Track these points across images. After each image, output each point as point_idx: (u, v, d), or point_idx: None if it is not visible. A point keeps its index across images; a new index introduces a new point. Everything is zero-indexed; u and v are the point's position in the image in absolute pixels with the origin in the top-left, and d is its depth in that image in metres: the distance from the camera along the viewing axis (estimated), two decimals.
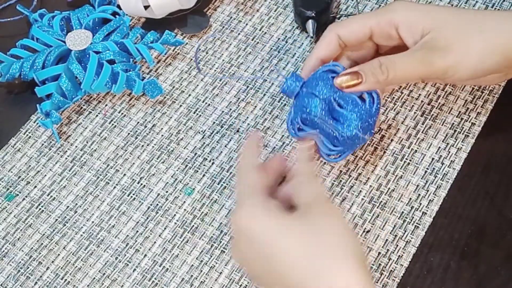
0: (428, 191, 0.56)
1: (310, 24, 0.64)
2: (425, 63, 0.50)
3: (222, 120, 0.62)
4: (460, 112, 0.60)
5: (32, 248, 0.57)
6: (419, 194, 0.56)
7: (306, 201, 0.46)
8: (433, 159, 0.57)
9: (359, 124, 0.51)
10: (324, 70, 0.53)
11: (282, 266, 0.43)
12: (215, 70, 0.65)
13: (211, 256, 0.55)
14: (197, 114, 0.63)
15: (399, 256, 0.53)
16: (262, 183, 0.48)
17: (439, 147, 0.58)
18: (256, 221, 0.45)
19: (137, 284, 0.54)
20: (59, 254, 0.56)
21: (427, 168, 0.57)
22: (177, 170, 0.60)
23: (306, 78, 0.53)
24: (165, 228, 0.57)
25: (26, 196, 0.60)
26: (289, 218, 0.45)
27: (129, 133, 0.62)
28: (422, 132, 0.59)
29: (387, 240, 0.54)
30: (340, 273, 0.42)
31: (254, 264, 0.45)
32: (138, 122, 0.63)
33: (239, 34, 0.67)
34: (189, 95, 0.64)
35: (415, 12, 0.52)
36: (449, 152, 0.58)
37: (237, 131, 0.61)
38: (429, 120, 0.59)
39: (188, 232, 0.56)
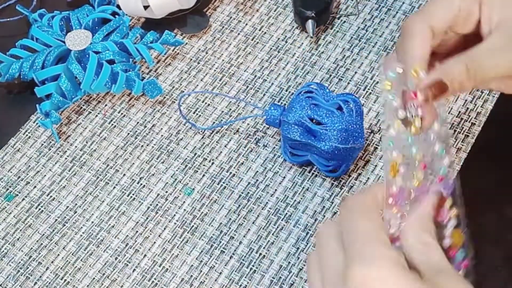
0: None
1: (310, 24, 0.64)
2: None
3: (221, 120, 0.62)
4: (460, 112, 0.60)
5: (31, 248, 0.57)
6: None
7: (435, 268, 0.38)
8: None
9: (337, 136, 0.52)
10: (298, 93, 0.55)
11: None
12: (215, 70, 0.65)
13: (211, 256, 0.55)
14: (197, 114, 0.63)
15: None
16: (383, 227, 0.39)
17: None
18: (390, 284, 0.35)
19: (136, 284, 0.54)
20: (58, 254, 0.56)
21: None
22: (176, 170, 0.59)
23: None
24: (164, 228, 0.57)
25: (25, 196, 0.60)
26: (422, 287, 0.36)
27: (128, 133, 0.62)
28: None
29: None
30: None
31: None
32: (138, 122, 0.63)
33: (238, 34, 0.67)
34: (189, 95, 0.64)
35: None
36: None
37: (237, 131, 0.61)
38: None
39: (187, 232, 0.56)
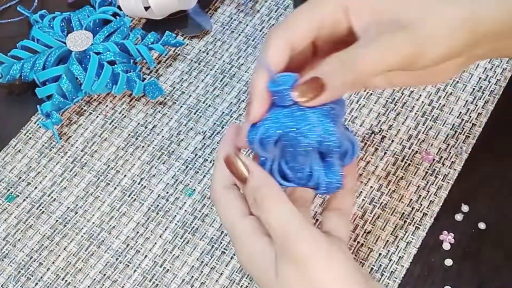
0: (429, 192, 0.56)
1: None
2: (392, 48, 0.40)
3: (222, 121, 0.62)
4: (461, 112, 0.60)
5: (32, 249, 0.57)
6: (420, 195, 0.56)
7: (343, 238, 0.43)
8: (433, 159, 0.57)
9: (338, 181, 0.42)
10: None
11: None
12: (215, 71, 0.65)
13: (212, 257, 0.55)
14: (198, 115, 0.63)
15: (400, 257, 0.53)
16: (244, 207, 0.43)
17: (440, 148, 0.58)
18: (253, 266, 0.42)
19: (137, 285, 0.54)
20: (59, 255, 0.56)
21: (428, 169, 0.57)
22: (177, 171, 0.59)
23: (262, 111, 0.41)
24: (165, 229, 0.57)
25: (26, 197, 0.60)
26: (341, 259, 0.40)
27: (129, 134, 0.62)
28: (423, 133, 0.59)
29: (387, 241, 0.54)
30: None
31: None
32: (139, 123, 0.63)
33: (239, 35, 0.67)
34: (190, 96, 0.64)
35: None
36: (450, 153, 0.58)
37: None
38: (430, 121, 0.59)
39: (188, 233, 0.56)
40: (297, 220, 0.40)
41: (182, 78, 0.65)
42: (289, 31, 0.42)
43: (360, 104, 0.61)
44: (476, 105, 0.60)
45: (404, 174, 0.57)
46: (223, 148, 0.44)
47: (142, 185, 0.59)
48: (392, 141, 0.59)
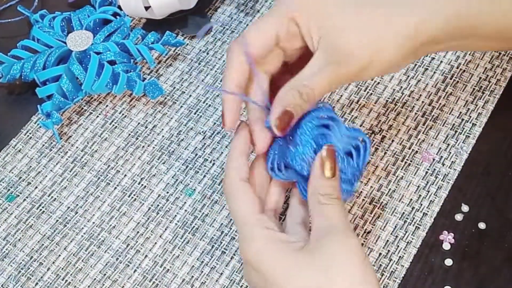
0: (429, 192, 0.56)
1: None
2: (338, 78, 0.47)
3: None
4: (461, 112, 0.60)
5: (33, 249, 0.57)
6: (420, 195, 0.56)
7: (321, 228, 0.43)
8: (434, 159, 0.57)
9: (349, 189, 0.46)
10: (317, 117, 0.47)
11: None
12: (216, 71, 0.65)
13: (212, 257, 0.55)
14: (198, 114, 0.63)
15: (400, 257, 0.53)
16: (258, 204, 0.46)
17: (440, 148, 0.58)
18: (266, 258, 0.43)
19: (138, 285, 0.54)
20: (59, 255, 0.56)
21: (428, 169, 0.57)
22: (177, 171, 0.60)
23: (232, 123, 0.48)
24: (166, 229, 0.57)
25: (26, 197, 0.60)
26: (300, 256, 0.42)
27: (129, 134, 0.62)
28: (423, 132, 0.59)
29: (388, 241, 0.54)
30: None
31: None
32: (139, 123, 0.63)
33: (239, 35, 0.67)
34: (190, 95, 0.64)
35: (307, 3, 0.47)
36: (450, 153, 0.58)
37: None
38: (430, 120, 0.59)
39: (188, 233, 0.56)
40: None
41: (182, 78, 0.65)
42: (245, 45, 0.47)
43: (360, 104, 0.61)
44: (476, 105, 0.60)
45: (404, 174, 0.57)
46: (238, 142, 0.48)
47: (142, 185, 0.59)
48: (392, 141, 0.59)
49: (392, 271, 0.53)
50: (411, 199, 0.56)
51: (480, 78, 0.61)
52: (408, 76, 0.62)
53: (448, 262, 0.53)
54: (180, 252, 0.55)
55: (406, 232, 0.54)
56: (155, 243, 0.56)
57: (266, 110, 0.48)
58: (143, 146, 0.61)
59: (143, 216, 0.57)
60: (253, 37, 0.48)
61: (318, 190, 0.44)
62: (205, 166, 0.60)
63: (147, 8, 0.66)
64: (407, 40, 0.46)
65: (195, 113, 0.63)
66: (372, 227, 0.55)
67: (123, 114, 0.64)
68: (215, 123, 0.62)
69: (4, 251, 0.57)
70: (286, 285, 0.42)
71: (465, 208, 0.55)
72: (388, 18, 0.47)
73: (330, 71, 0.46)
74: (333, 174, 0.44)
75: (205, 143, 0.61)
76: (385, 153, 0.58)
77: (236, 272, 0.54)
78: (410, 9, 0.47)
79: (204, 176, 0.59)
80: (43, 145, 0.63)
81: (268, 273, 0.42)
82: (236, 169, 0.47)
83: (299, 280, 0.41)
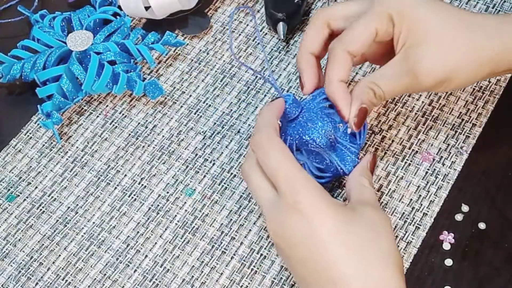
0: (429, 192, 0.56)
1: (280, 27, 0.64)
2: (411, 87, 0.50)
3: (223, 121, 0.62)
4: (461, 113, 0.60)
5: (33, 249, 0.57)
6: (420, 195, 0.56)
7: (363, 201, 0.47)
8: (434, 159, 0.57)
9: (355, 160, 0.52)
10: (322, 99, 0.52)
11: (332, 258, 0.43)
12: (216, 71, 0.65)
13: (212, 257, 0.55)
14: (198, 115, 0.63)
15: None
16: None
17: (440, 148, 0.58)
18: (320, 211, 0.44)
19: (138, 285, 0.54)
20: (60, 255, 0.56)
21: (428, 169, 0.57)
22: (178, 171, 0.60)
23: (312, 87, 0.53)
24: (166, 229, 0.57)
25: (27, 197, 0.60)
26: (349, 213, 0.45)
27: (130, 134, 0.62)
28: (423, 133, 0.59)
29: None
30: (387, 284, 0.43)
31: (296, 243, 0.45)
32: (139, 123, 0.63)
33: (240, 35, 0.67)
34: (190, 95, 0.64)
35: (406, 3, 0.50)
36: (450, 153, 0.58)
37: (238, 132, 0.61)
38: (430, 121, 0.59)
39: (189, 233, 0.56)
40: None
41: (183, 78, 0.65)
42: (348, 43, 0.50)
43: None
44: (476, 105, 0.60)
45: (404, 174, 0.57)
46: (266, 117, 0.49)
47: (142, 185, 0.59)
48: (392, 141, 0.59)
49: None
50: (411, 199, 0.56)
51: None
52: None
53: (448, 262, 0.53)
54: (180, 252, 0.55)
55: (406, 232, 0.54)
56: (155, 243, 0.56)
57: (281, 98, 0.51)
58: (143, 146, 0.61)
59: (143, 216, 0.58)
60: (358, 34, 0.50)
61: (364, 175, 0.51)
62: (205, 166, 0.60)
63: (147, 8, 0.66)
64: (488, 66, 0.49)
65: (195, 113, 0.63)
66: None
67: (123, 114, 0.64)
68: (215, 123, 0.62)
69: (4, 251, 0.57)
70: (337, 238, 0.43)
71: (465, 208, 0.55)
72: (472, 41, 0.49)
73: (407, 82, 0.49)
74: (372, 170, 0.52)
75: (205, 143, 0.61)
76: (385, 153, 0.58)
77: (236, 272, 0.54)
78: (496, 35, 0.49)
79: (204, 176, 0.59)
80: (43, 145, 0.63)
81: (321, 224, 0.43)
82: (274, 128, 0.48)
83: (346, 235, 0.44)
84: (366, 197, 0.48)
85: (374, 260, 0.43)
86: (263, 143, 0.47)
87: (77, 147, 0.62)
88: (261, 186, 0.48)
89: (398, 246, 0.54)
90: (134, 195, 0.59)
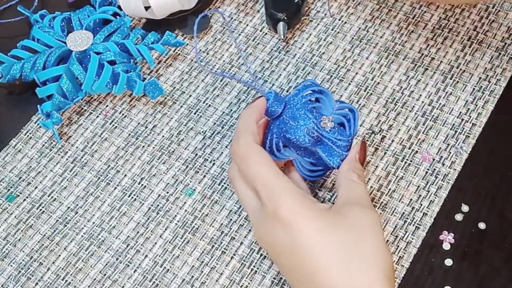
0: (429, 192, 0.56)
1: (280, 27, 0.64)
2: None
3: (222, 121, 0.62)
4: (461, 112, 0.60)
5: (33, 249, 0.57)
6: (420, 195, 0.56)
7: (350, 200, 0.47)
8: (433, 159, 0.57)
9: (343, 154, 0.51)
10: (304, 94, 0.51)
11: (316, 265, 0.43)
12: (216, 71, 0.65)
13: (212, 257, 0.55)
14: (198, 114, 0.63)
15: (400, 257, 0.53)
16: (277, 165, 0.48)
17: (440, 148, 0.58)
18: (299, 217, 0.44)
19: (138, 285, 0.54)
20: (60, 255, 0.56)
21: (428, 169, 0.57)
22: (177, 171, 0.60)
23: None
24: (166, 229, 0.57)
25: (27, 197, 0.60)
26: (330, 215, 0.45)
27: (129, 134, 0.62)
28: (423, 132, 0.59)
29: (388, 241, 0.54)
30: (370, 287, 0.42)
31: (281, 251, 0.45)
32: (139, 123, 0.63)
33: (239, 35, 0.67)
34: (190, 95, 0.64)
35: None
36: (450, 153, 0.58)
37: None
38: (430, 121, 0.59)
39: (189, 233, 0.56)
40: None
41: (182, 78, 0.65)
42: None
43: (360, 104, 0.61)
44: (476, 105, 0.60)
45: (404, 174, 0.57)
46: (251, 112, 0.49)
47: (142, 185, 0.59)
48: (392, 141, 0.59)
49: None
50: (411, 199, 0.56)
51: (480, 78, 0.61)
52: (408, 76, 0.62)
53: (448, 262, 0.53)
54: (180, 252, 0.55)
55: (406, 232, 0.54)
56: (155, 243, 0.56)
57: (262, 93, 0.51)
58: (143, 146, 0.61)
59: (143, 216, 0.58)
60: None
61: (352, 169, 0.49)
62: (205, 166, 0.60)
63: (147, 8, 0.66)
64: None
65: (195, 113, 0.63)
66: None
67: (123, 114, 0.64)
68: (215, 123, 0.62)
69: (4, 251, 0.57)
70: (318, 243, 0.43)
71: (465, 208, 0.55)
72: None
73: None
74: (362, 160, 0.50)
75: (205, 143, 0.61)
76: (385, 153, 0.58)
77: (236, 272, 0.54)
78: None
79: (204, 176, 0.59)
80: (43, 145, 0.63)
81: (301, 231, 0.43)
82: (253, 134, 0.48)
83: (329, 238, 0.43)
84: (354, 194, 0.48)
85: (356, 263, 0.43)
86: (241, 151, 0.47)
87: (77, 147, 0.62)
88: (245, 194, 0.48)
89: (398, 246, 0.54)
90: (134, 195, 0.59)
